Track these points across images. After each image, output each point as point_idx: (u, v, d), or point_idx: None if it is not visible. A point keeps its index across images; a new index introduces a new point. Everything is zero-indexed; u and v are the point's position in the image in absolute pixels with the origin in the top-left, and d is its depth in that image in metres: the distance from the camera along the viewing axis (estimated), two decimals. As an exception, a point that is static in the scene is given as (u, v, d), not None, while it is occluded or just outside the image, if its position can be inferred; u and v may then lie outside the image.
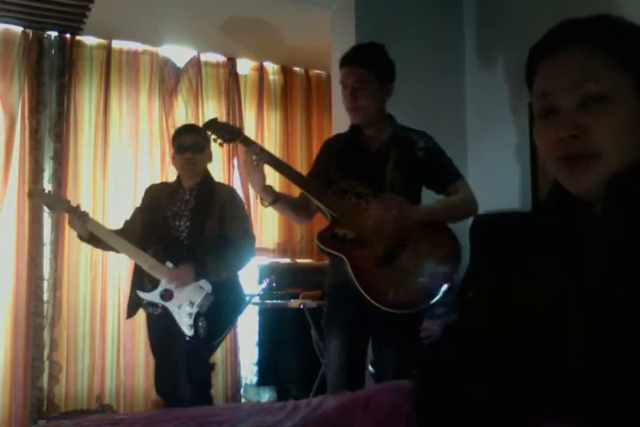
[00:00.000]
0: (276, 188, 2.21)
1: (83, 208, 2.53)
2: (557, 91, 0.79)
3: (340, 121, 2.35)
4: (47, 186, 3.66)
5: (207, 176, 2.69)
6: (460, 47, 3.50)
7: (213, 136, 2.19)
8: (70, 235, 3.45)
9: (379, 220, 1.99)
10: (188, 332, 2.44)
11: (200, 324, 2.44)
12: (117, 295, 3.73)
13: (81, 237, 2.55)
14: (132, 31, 3.88)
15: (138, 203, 2.83)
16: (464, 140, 3.44)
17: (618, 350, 0.66)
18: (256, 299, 3.66)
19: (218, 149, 2.73)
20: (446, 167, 2.18)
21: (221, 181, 3.63)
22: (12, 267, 3.56)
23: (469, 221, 2.97)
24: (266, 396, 3.87)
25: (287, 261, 4.25)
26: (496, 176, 3.21)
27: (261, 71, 4.40)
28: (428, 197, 2.24)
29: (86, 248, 3.35)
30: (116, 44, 3.97)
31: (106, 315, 3.72)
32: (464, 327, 0.89)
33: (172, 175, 2.92)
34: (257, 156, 2.05)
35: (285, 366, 3.86)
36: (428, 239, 2.06)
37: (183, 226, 2.55)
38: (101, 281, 3.74)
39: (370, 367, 2.45)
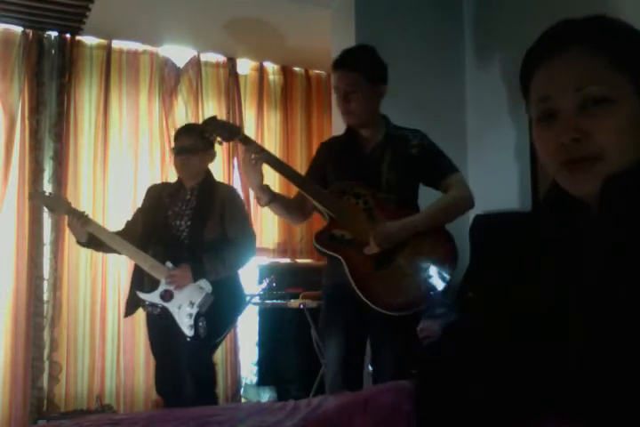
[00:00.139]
0: (276, 187, 2.21)
1: (83, 208, 2.53)
2: (557, 93, 0.79)
3: (340, 121, 2.35)
4: (47, 186, 3.67)
5: (208, 176, 2.68)
6: (459, 47, 3.50)
7: (213, 135, 2.19)
8: (70, 235, 3.45)
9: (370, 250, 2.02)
10: (189, 332, 2.44)
11: (200, 324, 2.44)
12: (117, 295, 3.73)
13: (80, 242, 2.55)
14: (132, 31, 3.88)
15: (138, 203, 2.83)
16: (464, 141, 3.44)
17: (618, 350, 0.66)
18: (256, 299, 3.66)
19: (218, 149, 2.73)
20: (440, 163, 2.18)
21: (221, 181, 3.63)
22: (12, 267, 3.56)
23: (469, 221, 2.98)
24: (266, 396, 3.87)
25: (287, 261, 4.25)
26: (496, 176, 3.21)
27: (261, 71, 4.40)
28: (427, 196, 2.24)
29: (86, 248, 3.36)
30: (116, 44, 3.97)
31: (106, 315, 3.72)
32: (464, 327, 0.89)
33: (172, 175, 2.92)
34: (255, 155, 2.06)
35: (285, 366, 3.86)
36: (424, 241, 2.06)
37: (184, 225, 2.55)
38: (101, 281, 3.74)
39: (370, 367, 2.45)
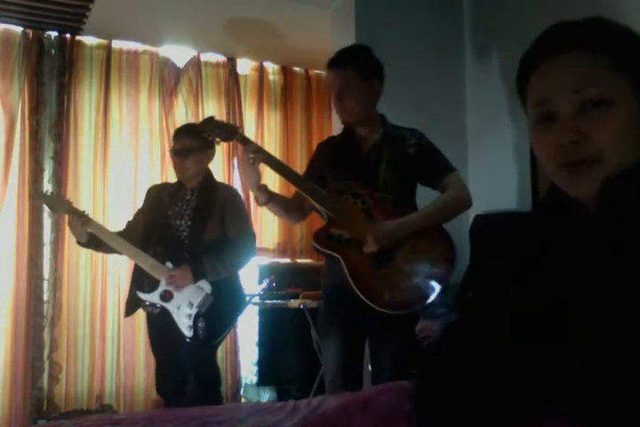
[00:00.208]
0: (276, 187, 2.22)
1: (83, 208, 2.54)
2: (556, 96, 0.79)
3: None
4: (47, 186, 3.66)
5: (209, 176, 2.68)
6: (459, 47, 3.50)
7: (211, 135, 2.20)
8: (70, 235, 3.45)
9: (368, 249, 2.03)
10: (188, 333, 2.44)
11: (199, 324, 2.44)
12: (117, 295, 3.73)
13: (80, 242, 2.55)
14: (132, 31, 3.88)
15: (138, 203, 2.84)
16: (464, 141, 3.44)
17: (618, 350, 0.66)
18: (256, 299, 3.66)
19: (217, 149, 2.72)
20: (437, 163, 2.18)
21: (221, 181, 3.63)
22: (12, 267, 3.56)
23: (469, 221, 2.98)
24: (266, 396, 3.87)
25: (287, 261, 4.25)
26: (496, 176, 3.21)
27: (261, 71, 4.40)
28: (425, 195, 2.24)
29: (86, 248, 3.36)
30: (116, 44, 3.97)
31: (106, 315, 3.72)
32: (464, 327, 0.89)
33: (172, 175, 2.92)
34: (253, 155, 2.07)
35: (285, 366, 3.86)
36: (422, 240, 2.06)
37: (184, 225, 2.55)
38: (101, 281, 3.74)
39: (370, 367, 2.45)
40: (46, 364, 3.58)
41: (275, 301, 3.67)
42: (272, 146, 4.33)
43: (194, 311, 2.45)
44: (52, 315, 3.61)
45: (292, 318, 3.82)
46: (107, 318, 3.72)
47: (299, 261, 4.28)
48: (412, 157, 2.15)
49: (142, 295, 2.50)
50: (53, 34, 3.82)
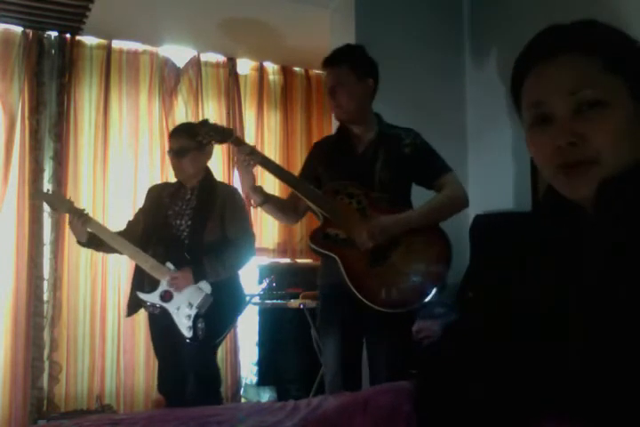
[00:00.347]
0: (275, 188, 2.22)
1: (83, 208, 2.54)
2: (552, 98, 0.79)
3: (340, 121, 2.38)
4: (47, 186, 3.66)
5: (208, 175, 2.68)
6: (459, 47, 3.50)
7: (206, 138, 2.21)
8: (70, 235, 3.45)
9: (365, 244, 2.03)
10: (187, 333, 2.44)
11: (199, 325, 2.44)
12: (117, 295, 3.73)
13: (80, 242, 2.54)
14: (132, 31, 3.88)
15: (138, 203, 2.84)
16: (464, 141, 3.44)
17: (618, 350, 0.66)
18: (256, 299, 3.66)
19: (217, 149, 2.72)
20: (433, 163, 2.19)
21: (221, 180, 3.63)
22: (12, 267, 3.56)
23: (469, 221, 2.98)
24: (266, 396, 3.87)
25: (287, 261, 4.25)
26: (496, 176, 3.21)
27: (261, 71, 4.40)
28: (420, 195, 2.24)
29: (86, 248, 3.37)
30: (116, 44, 3.97)
31: (106, 315, 3.73)
32: (464, 327, 0.89)
33: (172, 175, 2.92)
34: (248, 156, 2.07)
35: (285, 366, 3.86)
36: (418, 239, 2.07)
37: (184, 225, 2.55)
38: (101, 281, 3.74)
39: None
40: (46, 364, 3.58)
41: (275, 301, 3.68)
42: (272, 146, 4.33)
43: (193, 312, 2.45)
44: (52, 315, 3.61)
45: (291, 318, 3.83)
46: (107, 318, 3.73)
47: (299, 261, 4.28)
48: (407, 156, 2.15)
49: (142, 295, 2.50)
50: (53, 34, 3.83)
